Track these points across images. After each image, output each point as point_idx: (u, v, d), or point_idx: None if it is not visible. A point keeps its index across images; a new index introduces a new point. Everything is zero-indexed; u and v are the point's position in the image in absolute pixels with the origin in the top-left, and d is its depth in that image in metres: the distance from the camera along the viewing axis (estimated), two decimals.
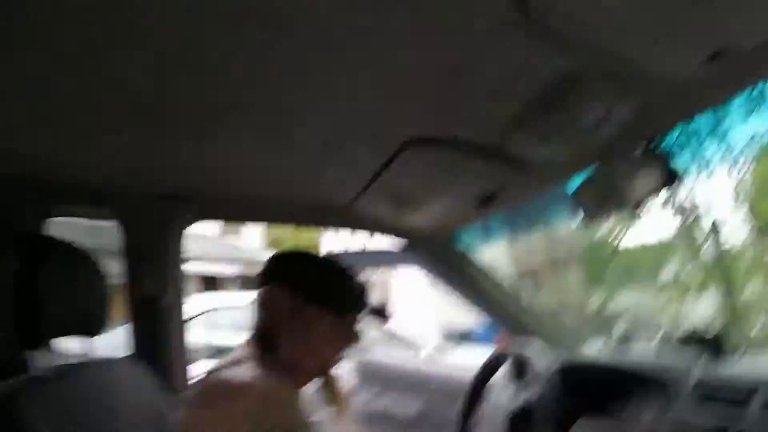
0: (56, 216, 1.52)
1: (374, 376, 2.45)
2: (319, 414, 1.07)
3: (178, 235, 1.49)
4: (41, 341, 0.92)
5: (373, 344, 3.25)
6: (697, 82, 0.80)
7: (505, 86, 0.86)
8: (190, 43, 0.74)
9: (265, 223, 1.82)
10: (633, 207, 0.98)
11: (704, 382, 1.01)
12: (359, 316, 1.01)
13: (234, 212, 1.59)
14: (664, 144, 0.96)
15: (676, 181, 0.93)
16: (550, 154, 0.98)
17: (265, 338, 0.97)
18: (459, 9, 0.68)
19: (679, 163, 0.95)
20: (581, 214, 1.05)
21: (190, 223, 1.51)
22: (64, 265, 0.94)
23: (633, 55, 0.75)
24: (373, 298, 1.04)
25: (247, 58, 0.79)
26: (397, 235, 1.65)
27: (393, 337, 4.41)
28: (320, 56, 0.78)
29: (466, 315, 1.77)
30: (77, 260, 0.97)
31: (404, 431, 2.27)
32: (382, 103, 0.94)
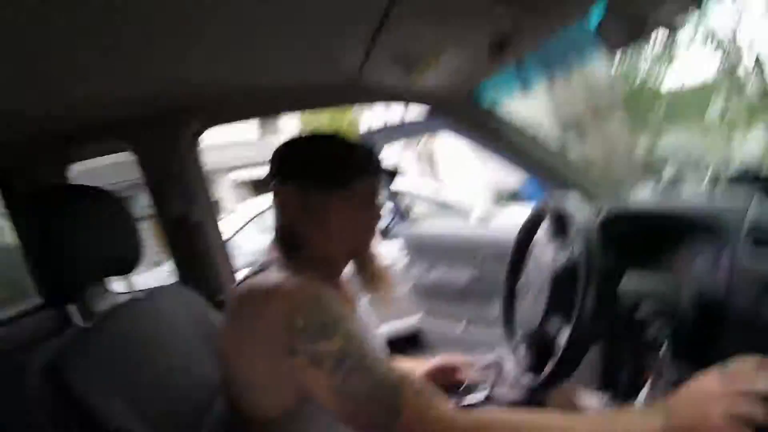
0: (75, 161, 1.54)
1: (423, 249, 2.47)
2: (362, 301, 1.09)
3: (193, 147, 1.48)
4: (79, 289, 0.94)
5: (422, 217, 3.27)
6: None
7: None
8: None
9: (278, 114, 1.77)
10: (661, 29, 0.83)
11: (760, 223, 0.92)
12: (372, 185, 0.96)
13: (243, 110, 1.54)
14: None
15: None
16: None
17: (287, 237, 0.95)
18: None
19: None
20: (607, 45, 0.92)
21: (200, 132, 1.49)
22: (91, 208, 0.95)
23: None
24: (386, 161, 0.99)
25: None
26: (416, 100, 1.56)
27: (443, 206, 4.45)
28: None
29: (512, 174, 1.70)
30: (102, 202, 0.98)
31: (456, 301, 2.31)
32: None
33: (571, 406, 1.16)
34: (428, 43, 1.18)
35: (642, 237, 1.21)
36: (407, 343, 3.13)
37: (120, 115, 1.33)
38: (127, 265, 0.99)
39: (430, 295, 2.47)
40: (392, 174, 1.02)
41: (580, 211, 0.99)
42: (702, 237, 1.11)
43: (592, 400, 1.13)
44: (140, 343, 0.90)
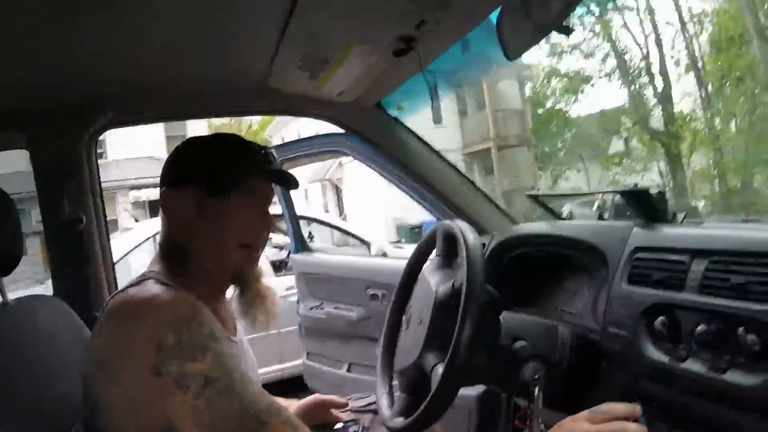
0: None
1: (316, 283, 2.36)
2: (242, 325, 1.01)
3: (91, 147, 1.40)
4: None
5: (322, 249, 3.16)
6: None
7: None
8: None
9: (185, 118, 1.70)
10: (557, 27, 0.82)
11: (642, 247, 0.93)
12: (265, 186, 0.91)
13: (149, 110, 1.47)
14: None
15: None
16: None
17: (171, 249, 0.90)
18: None
19: None
20: (507, 48, 0.93)
21: (101, 131, 1.41)
22: None
23: None
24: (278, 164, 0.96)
25: None
26: (324, 113, 1.53)
27: (345, 236, 4.41)
28: None
29: (415, 210, 1.69)
30: None
31: (341, 341, 2.21)
32: None
33: None
34: (333, 46, 1.14)
35: (528, 269, 1.20)
36: (290, 386, 2.94)
37: (18, 104, 1.24)
38: (5, 264, 0.94)
39: (317, 334, 2.34)
40: (286, 177, 0.97)
41: (468, 237, 0.93)
42: (584, 271, 1.12)
43: None
44: (1, 351, 0.84)
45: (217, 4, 0.93)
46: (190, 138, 0.95)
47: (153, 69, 1.22)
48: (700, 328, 0.78)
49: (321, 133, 1.90)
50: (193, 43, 1.10)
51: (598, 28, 13.62)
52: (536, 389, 0.91)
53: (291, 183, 0.98)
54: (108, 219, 1.49)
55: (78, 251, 1.35)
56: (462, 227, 0.94)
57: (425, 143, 1.60)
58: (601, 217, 1.16)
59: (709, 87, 12.24)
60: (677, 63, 12.87)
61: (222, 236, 0.88)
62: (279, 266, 3.78)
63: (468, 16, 1.06)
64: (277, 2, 0.94)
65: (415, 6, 0.97)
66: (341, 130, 1.61)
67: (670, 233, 0.93)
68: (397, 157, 1.56)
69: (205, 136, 0.95)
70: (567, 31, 0.87)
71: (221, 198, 0.87)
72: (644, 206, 1.00)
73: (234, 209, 0.87)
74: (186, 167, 0.91)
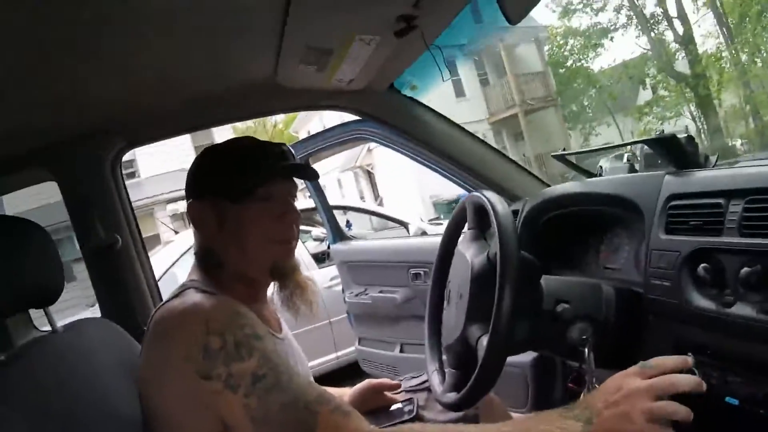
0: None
1: (357, 271, 2.37)
2: (288, 321, 1.04)
3: (115, 169, 1.44)
4: None
5: (361, 235, 3.19)
6: None
7: None
8: None
9: (202, 128, 1.71)
10: None
11: (676, 194, 0.90)
12: (284, 186, 0.92)
13: (164, 127, 1.49)
14: None
15: None
16: None
17: (206, 256, 0.93)
18: None
19: None
20: (508, 12, 0.91)
21: (122, 153, 1.45)
22: (9, 238, 0.92)
23: None
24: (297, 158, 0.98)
25: None
26: (337, 103, 1.53)
27: (383, 221, 4.40)
28: None
29: (451, 183, 1.68)
30: (22, 231, 0.94)
31: (390, 324, 2.22)
32: None
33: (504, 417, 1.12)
34: (334, 36, 1.13)
35: (565, 230, 1.18)
36: (348, 373, 3.00)
37: (39, 142, 1.29)
38: (48, 295, 0.95)
39: (365, 319, 2.37)
40: (306, 171, 0.98)
41: (497, 206, 0.93)
42: (622, 225, 1.09)
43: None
44: (56, 379, 0.85)
45: (211, 14, 0.93)
46: (207, 148, 0.97)
47: (159, 88, 1.23)
48: (745, 270, 0.76)
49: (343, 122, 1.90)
50: (194, 57, 1.11)
51: None
52: (586, 350, 0.91)
53: (310, 175, 0.99)
54: (149, 235, 1.55)
55: (118, 271, 1.38)
56: (490, 197, 0.94)
57: (445, 118, 1.58)
58: (632, 169, 1.13)
59: (731, 24, 11.63)
60: (695, 1, 12.28)
61: (250, 240, 0.89)
62: (321, 258, 3.84)
63: None
64: (272, 2, 0.93)
65: None
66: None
67: (703, 177, 0.90)
68: (418, 136, 1.55)
69: (221, 144, 0.96)
70: None
71: (243, 204, 0.89)
72: (673, 153, 0.98)
73: (256, 213, 0.89)
74: (205, 178, 0.93)
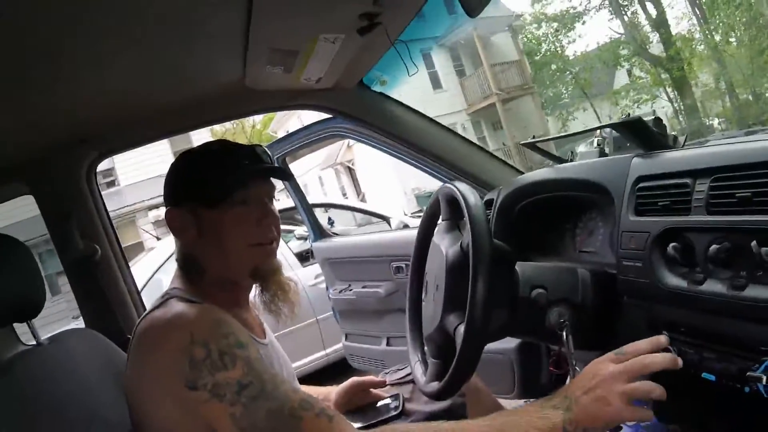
0: None
1: (339, 267, 2.37)
2: (268, 322, 1.04)
3: (90, 182, 1.43)
4: None
5: (343, 232, 3.17)
6: None
7: None
8: None
9: (174, 134, 1.69)
10: None
11: (643, 176, 0.92)
12: (260, 188, 0.92)
13: (135, 137, 1.49)
14: None
15: None
16: None
17: (188, 264, 0.93)
18: None
19: None
20: (466, 5, 0.92)
21: (96, 162, 1.45)
22: None
23: None
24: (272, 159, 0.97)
25: None
26: (306, 99, 1.52)
27: (365, 216, 4.40)
28: None
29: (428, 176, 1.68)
30: (3, 248, 0.94)
31: (375, 319, 2.23)
32: None
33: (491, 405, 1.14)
34: (298, 38, 1.13)
35: (541, 216, 1.18)
36: (337, 369, 2.99)
37: (12, 156, 1.28)
38: (30, 309, 0.95)
39: (351, 315, 2.37)
40: (281, 171, 0.99)
41: (468, 196, 0.93)
42: (595, 209, 1.10)
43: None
44: (41, 391, 0.85)
45: (176, 22, 0.93)
46: (181, 153, 0.96)
47: (129, 97, 1.24)
48: (713, 247, 0.77)
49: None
50: (162, 64, 1.11)
51: None
52: (564, 333, 0.92)
53: (284, 175, 0.99)
54: (133, 243, 1.54)
55: (98, 281, 1.38)
56: (461, 188, 0.94)
57: (416, 112, 1.59)
58: (602, 153, 1.14)
59: (703, 4, 11.84)
60: None
61: (230, 244, 0.89)
62: (306, 257, 3.82)
63: None
64: (234, 6, 0.93)
65: None
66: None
67: (670, 158, 0.91)
68: (391, 131, 1.56)
69: (194, 150, 0.96)
70: None
71: (220, 209, 0.88)
72: (641, 135, 0.99)
73: (234, 217, 0.89)
74: (180, 185, 0.93)
